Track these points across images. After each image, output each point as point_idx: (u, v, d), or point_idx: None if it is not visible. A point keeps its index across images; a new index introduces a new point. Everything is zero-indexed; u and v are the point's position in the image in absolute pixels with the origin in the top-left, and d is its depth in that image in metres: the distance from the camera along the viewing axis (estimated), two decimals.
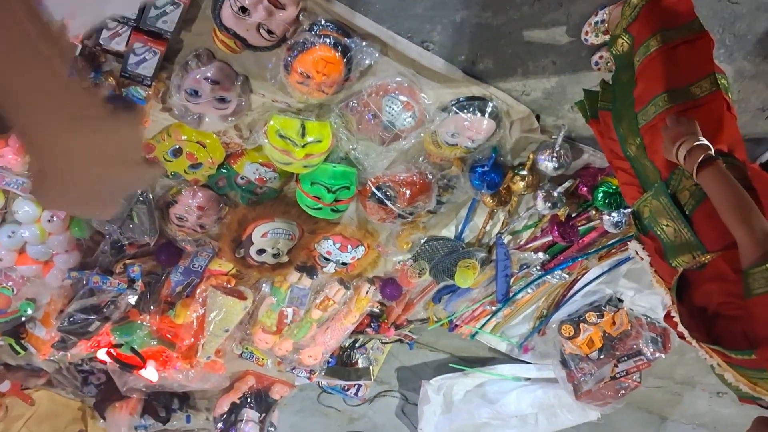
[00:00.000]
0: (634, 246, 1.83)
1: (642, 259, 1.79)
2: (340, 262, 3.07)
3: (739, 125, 1.69)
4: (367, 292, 3.28)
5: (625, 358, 3.50)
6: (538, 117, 2.51)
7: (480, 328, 3.73)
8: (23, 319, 3.25)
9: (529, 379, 3.98)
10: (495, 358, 4.05)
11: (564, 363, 3.72)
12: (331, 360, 3.72)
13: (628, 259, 3.18)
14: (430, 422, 3.91)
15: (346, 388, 3.92)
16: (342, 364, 3.83)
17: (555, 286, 3.41)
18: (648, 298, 3.46)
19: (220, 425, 3.73)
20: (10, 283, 3.04)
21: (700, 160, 1.41)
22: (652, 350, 3.46)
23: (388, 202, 2.65)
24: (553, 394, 3.88)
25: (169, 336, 3.32)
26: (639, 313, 3.55)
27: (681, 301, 1.55)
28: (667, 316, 1.63)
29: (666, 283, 1.67)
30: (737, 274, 1.32)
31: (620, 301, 3.50)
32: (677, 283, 1.55)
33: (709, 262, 1.49)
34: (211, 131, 2.49)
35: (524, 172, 2.64)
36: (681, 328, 1.51)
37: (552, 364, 3.82)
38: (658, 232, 1.64)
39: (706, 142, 1.45)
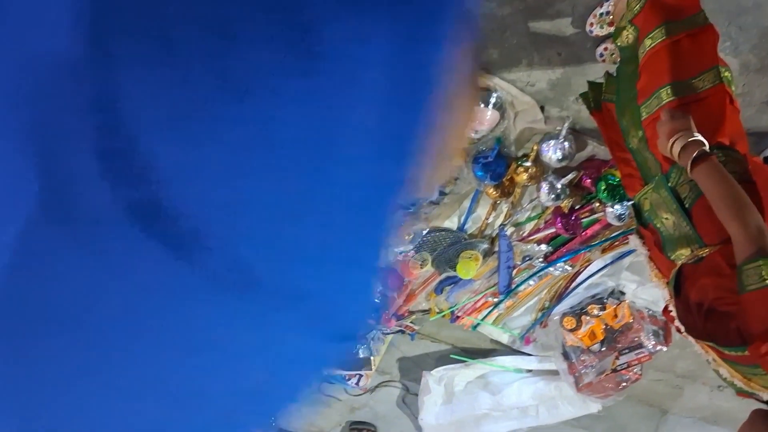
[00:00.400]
0: (634, 240, 1.83)
1: (643, 253, 1.80)
2: None
3: (743, 118, 1.69)
4: None
5: (627, 350, 3.50)
6: (542, 108, 2.50)
7: (482, 320, 3.73)
8: None
9: (530, 370, 3.98)
10: (496, 349, 4.05)
11: (565, 355, 3.72)
12: None
13: (630, 251, 3.18)
14: (431, 412, 3.93)
15: (347, 377, 3.94)
16: None
17: (557, 278, 3.41)
18: (650, 291, 3.45)
19: None
20: None
21: (694, 155, 1.41)
22: (653, 343, 3.46)
23: None
24: (554, 386, 3.88)
25: None
26: (641, 306, 3.54)
27: (678, 295, 1.55)
28: (665, 311, 1.63)
29: (664, 277, 1.67)
30: (732, 269, 1.31)
31: (622, 293, 3.50)
32: (675, 277, 1.55)
33: (705, 256, 1.49)
34: None
35: (528, 164, 2.64)
36: (678, 322, 1.51)
37: (553, 356, 3.82)
38: (658, 225, 1.64)
39: (700, 137, 1.44)
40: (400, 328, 3.80)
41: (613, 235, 3.00)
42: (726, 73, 1.66)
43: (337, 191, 0.50)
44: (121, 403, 0.49)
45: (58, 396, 0.47)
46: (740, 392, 1.49)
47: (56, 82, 0.40)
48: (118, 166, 0.41)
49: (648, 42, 1.69)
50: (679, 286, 1.57)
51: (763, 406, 1.44)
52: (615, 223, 2.74)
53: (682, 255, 1.56)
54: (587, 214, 2.87)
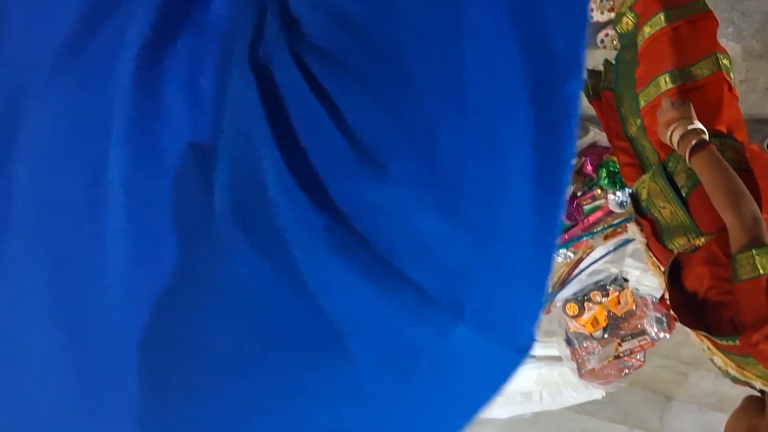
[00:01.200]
0: (632, 228, 1.83)
1: (641, 242, 1.80)
2: None
3: (746, 105, 1.69)
4: None
5: (629, 337, 3.51)
6: None
7: None
8: None
9: (533, 356, 3.99)
10: None
11: (568, 341, 3.73)
12: None
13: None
14: None
15: None
16: None
17: (560, 265, 3.40)
18: (653, 278, 3.44)
19: None
20: None
21: (692, 144, 1.41)
22: (656, 330, 3.46)
23: None
24: (557, 371, 3.89)
25: None
26: (644, 292, 3.54)
27: (674, 285, 1.55)
28: (662, 299, 1.63)
29: (662, 266, 1.68)
30: (728, 258, 1.32)
31: (626, 280, 3.49)
32: (671, 267, 1.55)
33: (702, 245, 1.49)
34: None
35: None
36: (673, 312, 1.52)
37: (556, 342, 3.83)
38: (655, 214, 1.64)
39: (700, 126, 1.44)
40: None
41: (616, 222, 2.99)
42: (725, 61, 1.65)
43: None
44: None
45: None
46: (735, 381, 1.49)
47: None
48: None
49: (647, 29, 1.68)
50: (675, 275, 1.57)
51: (757, 394, 1.44)
52: (617, 210, 2.73)
53: (679, 244, 1.56)
54: (589, 200, 2.86)
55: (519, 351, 0.43)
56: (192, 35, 0.37)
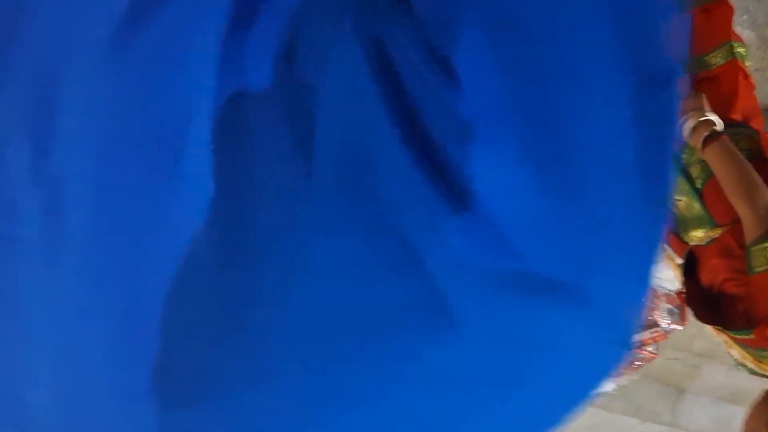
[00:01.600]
0: None
1: None
2: None
3: (762, 94, 1.67)
4: None
5: (641, 329, 3.48)
6: None
7: None
8: None
9: None
10: None
11: None
12: None
13: None
14: None
15: None
16: None
17: None
18: (666, 270, 3.42)
19: None
20: None
21: (704, 136, 1.39)
22: (668, 322, 3.44)
23: None
24: None
25: None
26: (657, 284, 3.51)
27: (690, 278, 1.54)
28: (680, 293, 1.63)
29: (679, 257, 1.67)
30: (742, 249, 1.30)
31: None
32: (686, 259, 1.54)
33: (717, 237, 1.48)
34: None
35: None
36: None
37: None
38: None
39: (712, 117, 1.42)
40: None
41: None
42: (740, 49, 1.63)
43: None
44: None
45: None
46: (753, 373, 1.48)
47: None
48: None
49: None
50: (691, 268, 1.56)
51: None
52: None
53: (695, 236, 1.55)
54: None
55: (622, 344, 0.42)
56: (278, 14, 0.35)
